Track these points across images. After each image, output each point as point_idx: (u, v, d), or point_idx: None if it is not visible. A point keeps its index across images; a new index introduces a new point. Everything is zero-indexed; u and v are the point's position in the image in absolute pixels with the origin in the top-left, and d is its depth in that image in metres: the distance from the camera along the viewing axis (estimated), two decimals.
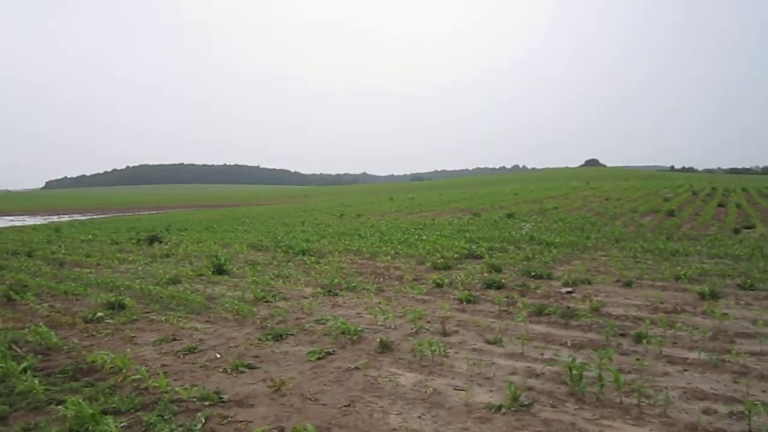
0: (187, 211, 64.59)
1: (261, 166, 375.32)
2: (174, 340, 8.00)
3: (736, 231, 22.17)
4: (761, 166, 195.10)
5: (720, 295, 9.94)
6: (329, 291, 10.97)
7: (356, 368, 6.52)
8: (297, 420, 5.08)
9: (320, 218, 35.72)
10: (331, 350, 7.22)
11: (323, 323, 8.58)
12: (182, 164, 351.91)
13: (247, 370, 6.61)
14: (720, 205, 34.74)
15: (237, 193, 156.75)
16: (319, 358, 6.93)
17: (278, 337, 7.88)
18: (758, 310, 8.92)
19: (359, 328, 7.94)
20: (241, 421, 5.13)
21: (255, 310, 9.49)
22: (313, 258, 15.73)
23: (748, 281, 10.89)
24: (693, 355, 6.73)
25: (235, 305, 9.59)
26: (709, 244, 17.81)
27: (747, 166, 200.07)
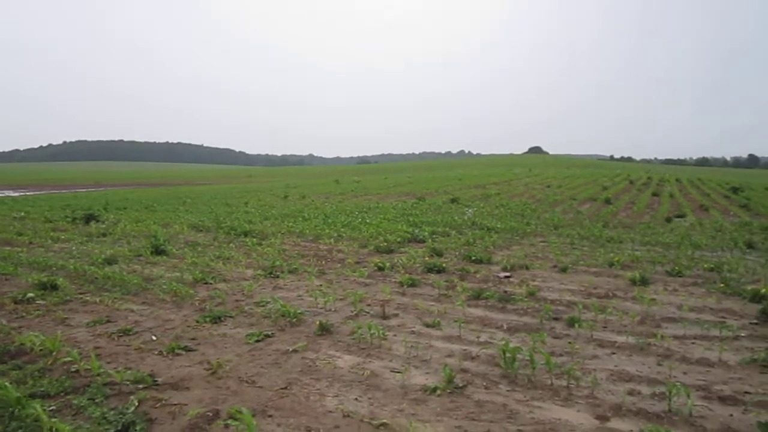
0: (127, 190, 62.79)
1: (205, 145, 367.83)
2: (108, 321, 7.81)
3: (668, 220, 23.05)
4: (695, 157, 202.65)
5: (650, 281, 10.34)
6: (270, 273, 10.90)
7: (294, 351, 6.52)
8: (232, 402, 5.05)
9: (264, 199, 35.32)
10: (270, 333, 7.20)
11: (263, 306, 8.53)
12: (122, 141, 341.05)
13: (183, 352, 6.52)
14: (654, 194, 36.02)
15: (179, 171, 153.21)
16: (257, 341, 6.90)
17: (217, 320, 7.79)
18: (684, 296, 9.33)
19: (299, 311, 7.93)
20: (176, 404, 5.07)
21: (194, 291, 9.36)
22: (255, 239, 15.59)
23: (677, 268, 11.36)
24: (621, 339, 7.00)
25: (174, 287, 9.44)
26: (642, 232, 18.47)
27: (682, 157, 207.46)
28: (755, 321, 7.89)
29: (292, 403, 5.11)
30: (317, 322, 7.39)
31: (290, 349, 6.56)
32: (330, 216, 22.24)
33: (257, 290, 9.62)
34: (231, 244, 14.95)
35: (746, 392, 5.37)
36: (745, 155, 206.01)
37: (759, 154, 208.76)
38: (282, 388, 5.44)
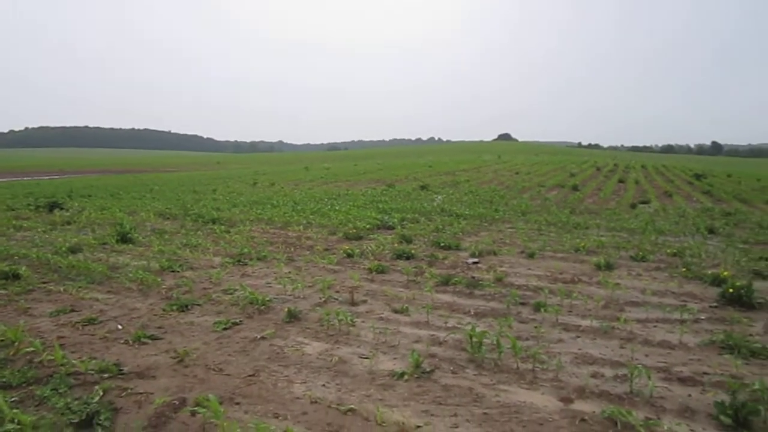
0: (92, 177, 61.58)
1: (172, 131, 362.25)
2: (73, 311, 7.69)
3: (633, 206, 23.46)
4: (660, 144, 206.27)
5: (614, 266, 10.53)
6: (239, 260, 10.83)
7: (263, 338, 6.51)
8: (199, 390, 5.03)
9: (233, 186, 35.01)
10: (238, 320, 7.16)
11: (231, 293, 8.47)
12: (87, 127, 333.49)
13: (149, 341, 6.46)
14: (620, 181, 36.65)
15: (146, 158, 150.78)
16: (225, 329, 6.86)
17: (184, 308, 7.73)
18: (647, 280, 9.52)
19: (267, 298, 7.91)
20: (142, 393, 5.03)
21: (160, 280, 9.26)
22: (223, 227, 15.46)
23: (640, 253, 11.58)
24: (586, 323, 7.13)
25: (140, 275, 9.32)
26: (608, 217, 18.78)
27: (648, 145, 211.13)
28: (715, 304, 8.09)
29: (260, 390, 5.11)
30: (286, 309, 7.38)
31: (258, 337, 6.55)
32: (299, 203, 22.16)
33: (225, 278, 9.56)
34: (199, 232, 14.80)
35: (704, 373, 5.51)
36: (708, 143, 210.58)
37: (722, 141, 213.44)
38: (249, 376, 5.43)
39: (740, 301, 7.98)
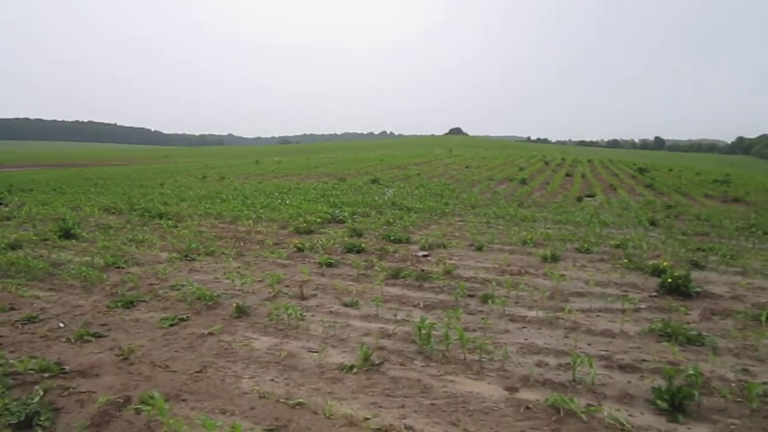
0: (33, 171, 59.51)
1: (118, 124, 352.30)
2: (12, 309, 7.43)
3: (579, 199, 24.04)
4: (606, 139, 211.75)
5: (560, 258, 10.78)
6: (186, 256, 10.65)
7: (210, 334, 6.43)
8: (145, 388, 4.95)
9: (181, 180, 34.38)
10: (185, 316, 7.06)
11: (178, 289, 8.34)
12: (28, 119, 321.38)
13: (93, 339, 6.30)
14: (567, 174, 37.48)
15: (91, 151, 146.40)
16: (171, 325, 6.76)
17: (129, 304, 7.56)
18: (591, 272, 9.79)
19: (216, 294, 7.82)
20: (84, 392, 4.91)
21: (105, 276, 9.03)
22: (170, 222, 15.18)
23: (585, 245, 11.89)
24: (532, 314, 7.29)
25: (83, 271, 9.08)
26: (555, 211, 19.20)
27: (594, 139, 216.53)
28: (654, 294, 8.38)
29: (207, 386, 5.06)
30: (234, 305, 7.31)
31: (206, 332, 6.47)
32: (249, 197, 21.91)
33: (172, 273, 9.39)
34: (145, 227, 14.49)
35: (643, 360, 5.71)
36: (652, 138, 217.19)
37: (664, 136, 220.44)
38: (197, 372, 5.37)
39: (678, 290, 8.28)
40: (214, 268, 9.89)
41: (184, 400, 4.77)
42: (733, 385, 5.10)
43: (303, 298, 7.95)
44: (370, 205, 19.41)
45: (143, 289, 8.37)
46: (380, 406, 4.64)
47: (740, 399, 4.77)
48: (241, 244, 12.13)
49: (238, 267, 9.84)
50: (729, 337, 6.47)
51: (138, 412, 4.49)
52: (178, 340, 6.28)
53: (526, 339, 6.36)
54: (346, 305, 7.63)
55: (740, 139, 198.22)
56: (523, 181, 31.68)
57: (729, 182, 34.70)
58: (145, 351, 5.91)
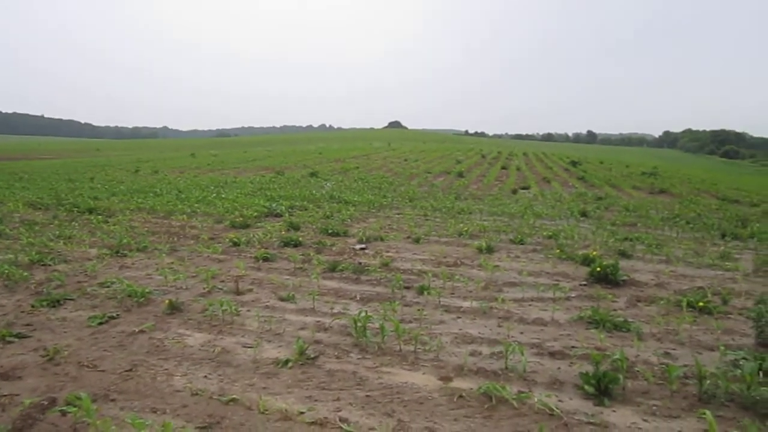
0: None
1: (46, 116, 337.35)
2: None
3: (514, 191, 24.56)
4: (541, 133, 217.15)
5: (495, 249, 11.00)
6: (117, 252, 10.32)
7: (141, 331, 6.26)
8: (71, 389, 4.78)
9: (112, 174, 33.30)
10: (114, 314, 6.84)
11: (108, 286, 8.08)
12: None
13: (16, 339, 6.04)
14: (503, 167, 38.25)
15: (14, 144, 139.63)
16: (100, 323, 6.54)
17: (55, 303, 7.28)
18: (524, 262, 10.03)
19: (147, 290, 7.61)
20: (6, 395, 4.70)
21: (29, 274, 8.65)
22: (101, 217, 14.68)
23: (519, 236, 12.17)
24: (466, 304, 7.41)
25: (5, 269, 8.66)
26: (491, 203, 19.58)
27: (530, 133, 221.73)
28: (584, 282, 8.66)
29: (137, 385, 4.93)
30: (167, 301, 7.13)
31: (136, 330, 6.29)
32: (184, 191, 21.45)
33: (102, 270, 9.10)
34: (73, 223, 13.97)
35: (573, 347, 5.90)
36: (584, 132, 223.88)
37: (597, 130, 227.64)
38: (126, 371, 5.22)
39: (607, 279, 8.58)
40: (147, 264, 9.64)
41: (113, 400, 4.63)
42: (655, 368, 5.32)
43: (238, 293, 7.84)
44: (308, 198, 19.32)
45: (71, 287, 8.06)
46: (315, 400, 4.63)
47: (662, 381, 4.98)
48: (175, 239, 11.87)
49: (172, 262, 9.63)
50: (653, 323, 6.74)
51: (64, 413, 4.34)
52: (107, 338, 6.09)
53: (460, 329, 6.46)
54: (282, 299, 7.57)
55: (667, 133, 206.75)
56: (461, 174, 32.14)
57: (656, 174, 36.16)
58: (72, 351, 5.71)
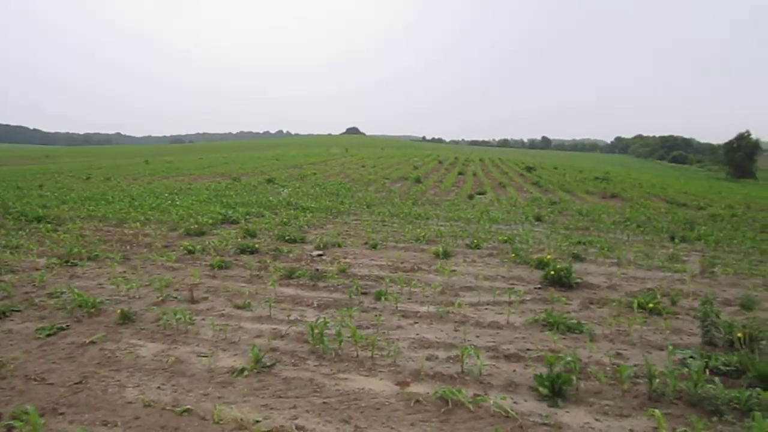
0: None
1: None
2: None
3: (471, 197, 24.82)
4: (497, 139, 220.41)
5: (451, 254, 11.10)
6: (67, 261, 10.04)
7: (92, 342, 6.11)
8: (18, 403, 4.62)
9: (63, 181, 32.40)
10: (64, 325, 6.65)
11: (57, 296, 7.85)
12: None
13: None
14: (460, 173, 38.64)
15: None
16: (49, 335, 6.35)
17: (1, 315, 7.03)
18: (480, 266, 10.14)
19: (99, 300, 7.42)
20: None
21: None
22: (50, 225, 14.26)
23: (475, 241, 12.30)
24: (423, 309, 7.45)
25: None
26: (447, 208, 19.73)
27: (486, 139, 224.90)
28: (539, 286, 8.80)
29: (88, 397, 4.80)
30: (119, 311, 6.97)
31: (87, 342, 6.13)
32: (137, 198, 21.01)
33: (51, 280, 8.84)
34: (21, 231, 13.54)
35: (528, 349, 5.99)
36: (539, 137, 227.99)
37: (551, 136, 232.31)
38: (76, 383, 5.08)
39: (560, 282, 8.75)
40: (98, 273, 9.41)
41: (61, 414, 4.50)
42: (607, 368, 5.45)
43: (193, 301, 7.72)
44: (264, 205, 19.16)
45: (17, 298, 7.79)
46: (271, 408, 4.59)
47: (613, 381, 5.11)
48: (128, 247, 11.61)
49: (124, 271, 9.42)
50: (605, 324, 6.90)
51: (9, 429, 4.20)
52: (56, 350, 5.92)
53: (417, 334, 6.49)
54: (238, 307, 7.48)
55: (618, 139, 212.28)
56: (418, 180, 32.30)
57: (608, 179, 36.99)
58: (18, 364, 5.53)
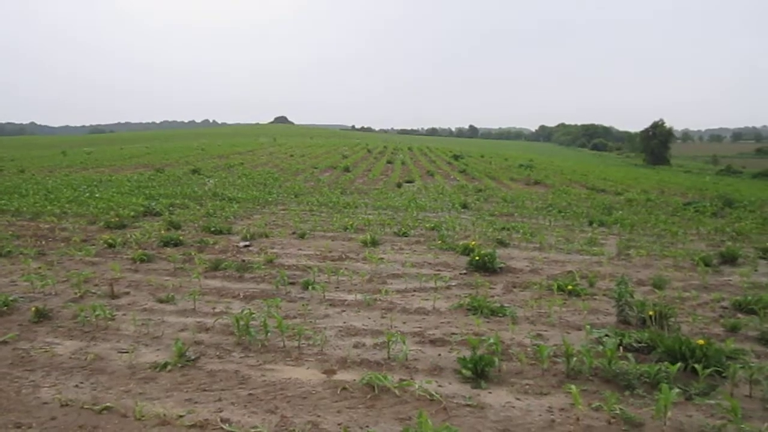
0: None
1: None
2: None
3: (399, 185, 25.02)
4: (426, 128, 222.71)
5: (379, 243, 11.17)
6: None
7: (4, 342, 5.83)
8: None
9: None
10: None
11: None
12: None
13: None
14: (389, 162, 38.85)
15: None
16: None
17: None
18: (408, 254, 10.26)
19: (11, 298, 7.09)
20: None
21: None
22: None
23: (403, 229, 12.43)
24: (351, 297, 7.49)
25: None
26: (376, 197, 19.83)
27: (415, 128, 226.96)
28: (464, 271, 8.99)
29: (0, 399, 4.59)
30: (33, 308, 6.68)
31: None
32: (53, 191, 20.08)
33: None
34: None
35: (453, 333, 6.12)
36: (466, 126, 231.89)
37: (478, 125, 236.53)
38: None
39: (485, 267, 8.96)
40: (10, 270, 8.97)
41: None
42: (528, 349, 5.64)
43: (114, 296, 7.48)
44: (189, 196, 18.73)
45: None
46: (196, 402, 4.52)
47: (534, 361, 5.29)
48: (43, 242, 11.11)
49: (39, 267, 9.01)
50: (526, 307, 7.13)
51: None
52: None
53: (344, 322, 6.53)
54: (161, 301, 7.31)
55: (542, 128, 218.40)
56: (347, 169, 32.29)
57: (532, 167, 38.06)
58: None
